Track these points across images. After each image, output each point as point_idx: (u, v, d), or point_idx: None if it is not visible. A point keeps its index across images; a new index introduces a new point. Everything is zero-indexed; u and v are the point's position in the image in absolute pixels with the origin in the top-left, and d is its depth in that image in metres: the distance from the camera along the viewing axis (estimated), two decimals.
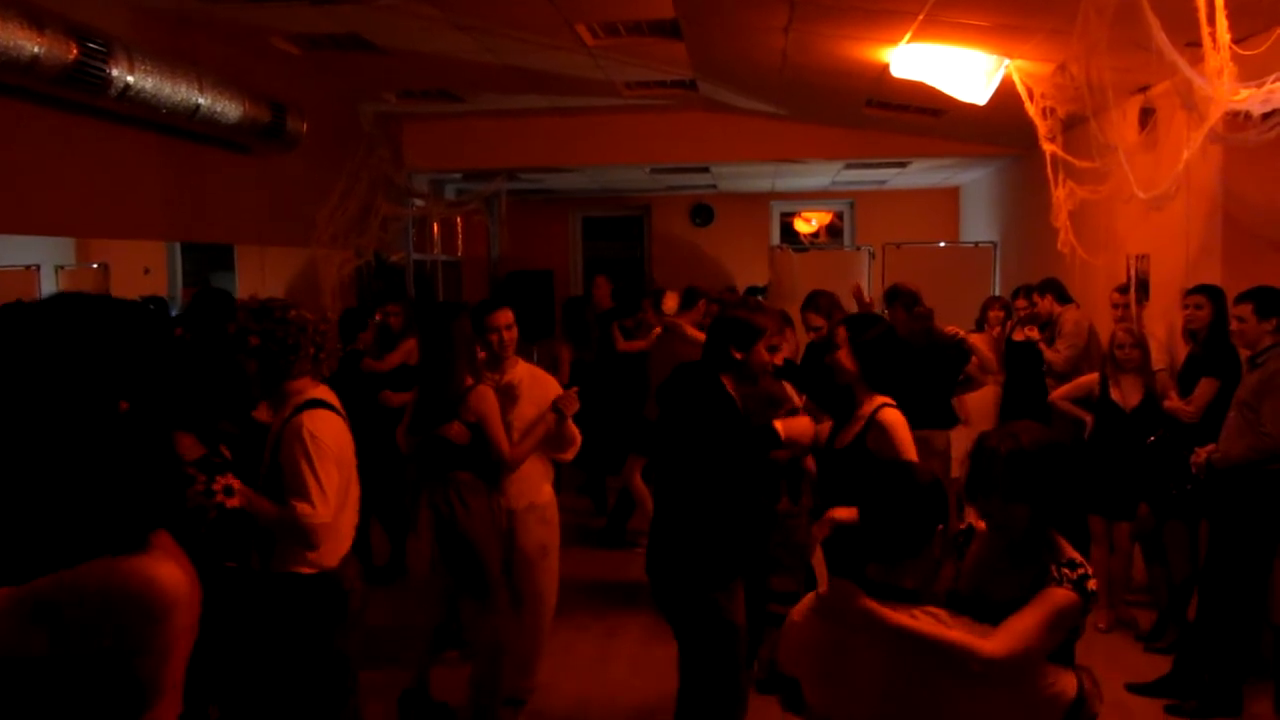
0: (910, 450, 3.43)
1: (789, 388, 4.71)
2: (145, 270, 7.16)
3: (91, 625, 1.38)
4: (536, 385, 4.37)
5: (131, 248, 6.76)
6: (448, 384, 4.03)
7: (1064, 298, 6.87)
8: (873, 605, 2.16)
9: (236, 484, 2.94)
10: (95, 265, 6.82)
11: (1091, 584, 2.27)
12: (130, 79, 4.61)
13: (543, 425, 4.21)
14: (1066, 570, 2.26)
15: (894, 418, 3.46)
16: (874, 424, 3.45)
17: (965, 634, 2.15)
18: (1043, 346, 6.74)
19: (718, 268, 12.78)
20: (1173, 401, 5.08)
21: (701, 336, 5.95)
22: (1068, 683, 2.24)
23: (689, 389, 3.54)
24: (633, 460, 6.20)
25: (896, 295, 6.14)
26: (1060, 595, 2.22)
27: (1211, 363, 4.97)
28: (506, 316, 4.31)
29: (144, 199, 5.61)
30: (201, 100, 5.22)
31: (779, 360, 3.77)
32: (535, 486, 4.41)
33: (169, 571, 1.47)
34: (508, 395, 4.27)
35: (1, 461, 1.40)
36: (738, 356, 3.52)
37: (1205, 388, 4.94)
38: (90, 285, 5.95)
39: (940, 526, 2.24)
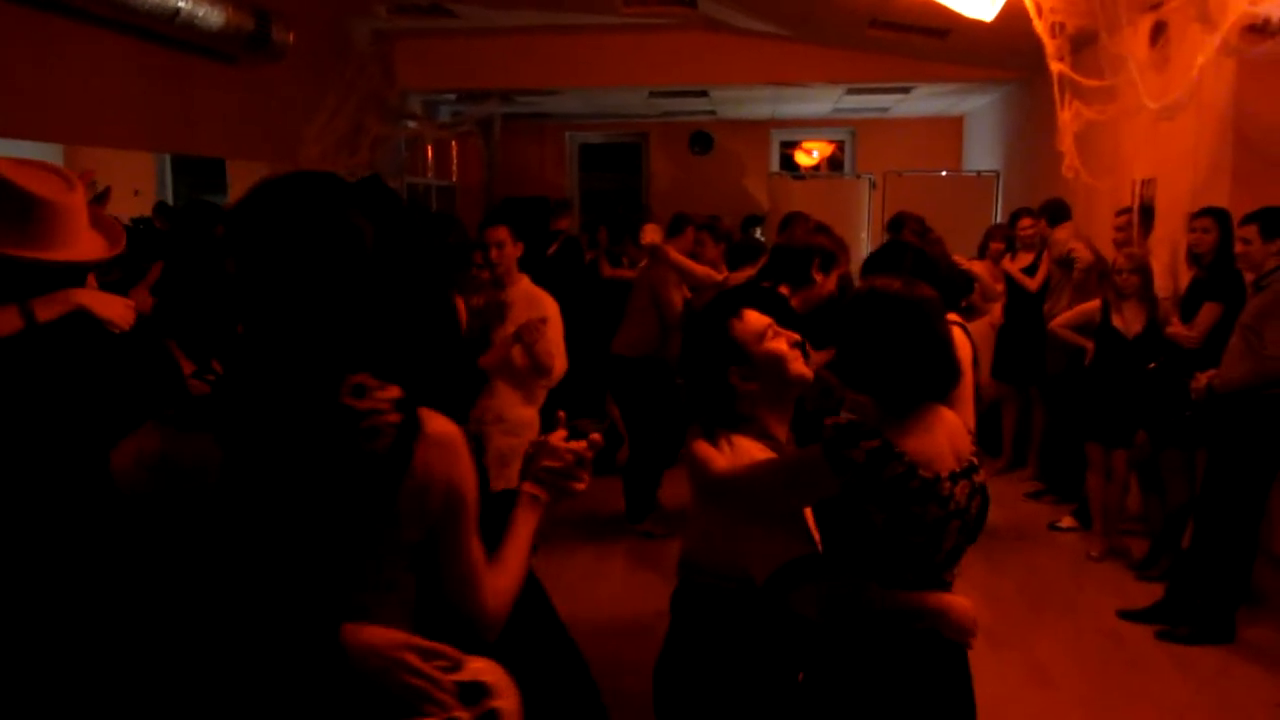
0: (968, 379, 3.35)
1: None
2: (135, 192, 7.01)
3: None
4: (531, 306, 4.31)
5: (121, 167, 6.61)
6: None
7: (1057, 219, 6.71)
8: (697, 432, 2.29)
9: None
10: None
11: (854, 453, 2.00)
12: None
13: (503, 347, 4.21)
14: (831, 430, 2.14)
15: (961, 341, 3.36)
16: None
17: (722, 459, 2.20)
18: (1021, 277, 6.67)
19: (717, 197, 12.55)
20: (1174, 327, 5.00)
21: (690, 263, 5.86)
22: (781, 548, 2.10)
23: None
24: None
25: (903, 223, 5.98)
26: (806, 450, 2.13)
27: (1215, 287, 4.87)
28: (498, 233, 4.31)
29: (127, 107, 5.46)
30: (182, 4, 5.05)
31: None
32: (508, 405, 4.33)
33: None
34: (498, 312, 4.25)
35: None
36: (818, 278, 3.63)
37: (1207, 312, 4.84)
38: None
39: (735, 368, 2.26)
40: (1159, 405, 5.06)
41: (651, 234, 6.25)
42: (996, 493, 6.75)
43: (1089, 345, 5.54)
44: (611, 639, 4.55)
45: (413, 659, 1.52)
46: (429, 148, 10.67)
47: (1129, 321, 5.24)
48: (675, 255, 5.84)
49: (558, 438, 1.80)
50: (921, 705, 2.11)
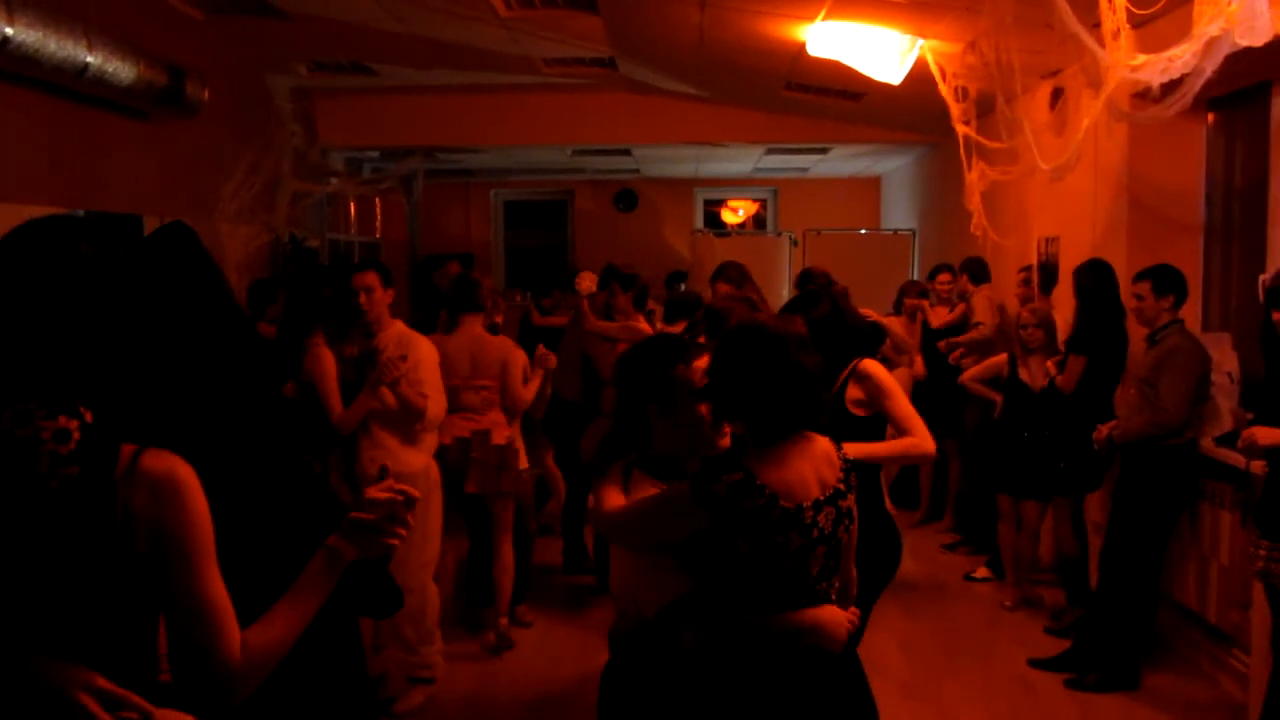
0: (898, 392, 3.42)
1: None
2: None
3: None
4: (406, 349, 4.26)
5: None
6: (292, 344, 4.02)
7: (978, 278, 6.93)
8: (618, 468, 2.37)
9: None
10: None
11: (716, 487, 2.10)
12: (9, 31, 4.36)
13: (366, 392, 4.16)
14: (700, 468, 2.24)
15: (877, 366, 3.48)
16: (857, 374, 3.44)
17: (617, 497, 2.28)
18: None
19: (642, 253, 12.64)
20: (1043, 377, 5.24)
21: (607, 327, 5.88)
22: (669, 585, 2.16)
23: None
24: (544, 443, 6.09)
25: (810, 278, 6.09)
26: (676, 486, 2.22)
27: (1079, 339, 5.07)
28: (367, 278, 4.27)
29: (33, 162, 5.34)
30: (90, 59, 4.96)
31: None
32: (392, 454, 4.21)
33: None
34: (370, 360, 4.20)
35: None
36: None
37: (1073, 364, 5.06)
38: None
39: (654, 406, 2.31)
40: (1046, 456, 5.22)
41: (588, 282, 6.29)
42: (914, 545, 6.86)
43: (997, 398, 5.67)
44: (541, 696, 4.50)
45: (90, 703, 1.41)
46: (352, 204, 10.62)
47: (1034, 375, 5.38)
48: (594, 323, 5.87)
49: (375, 490, 1.69)
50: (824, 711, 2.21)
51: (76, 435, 1.46)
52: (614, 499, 2.28)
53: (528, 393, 4.98)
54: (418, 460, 4.31)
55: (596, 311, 6.06)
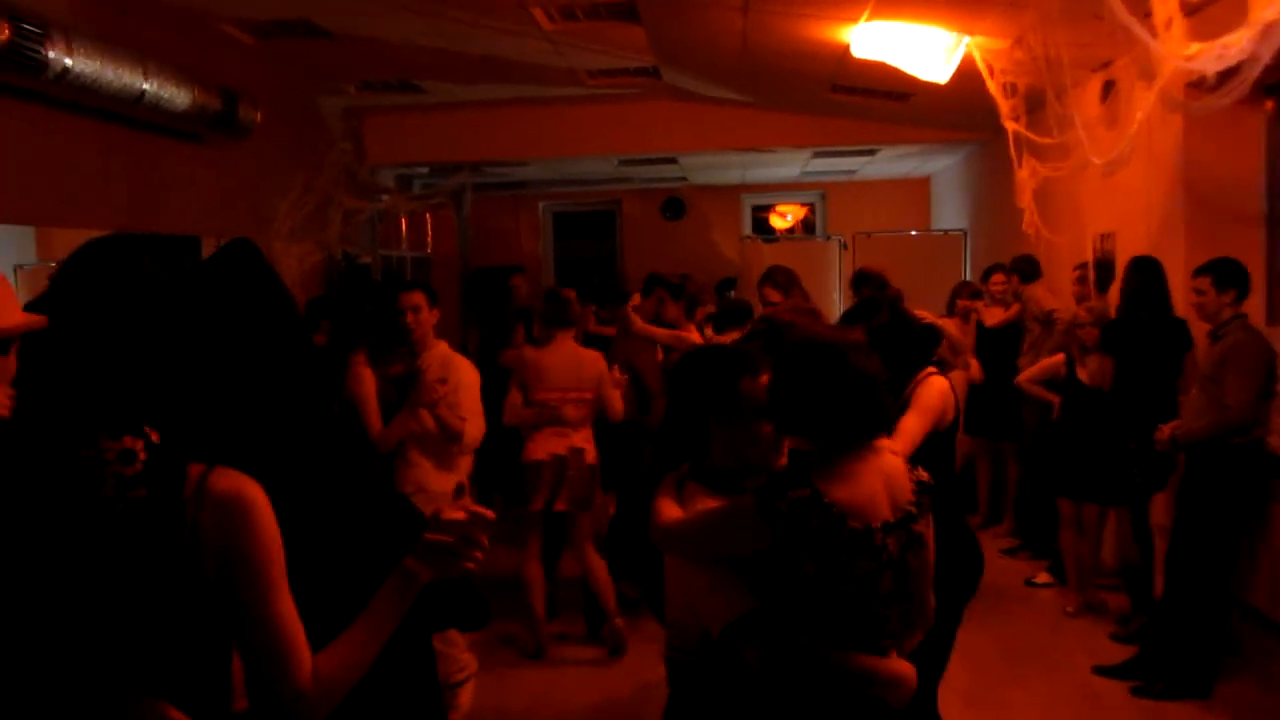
0: (927, 412, 3.30)
1: None
2: None
3: None
4: (443, 371, 4.34)
5: None
6: (336, 361, 4.14)
7: (1028, 276, 6.82)
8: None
9: None
10: (55, 264, 6.68)
11: (780, 504, 2.03)
12: (69, 62, 4.47)
13: (405, 413, 4.25)
14: (759, 480, 2.16)
15: (936, 382, 3.36)
16: (920, 384, 3.35)
17: (673, 508, 2.24)
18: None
19: (691, 261, 12.61)
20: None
21: (655, 330, 5.86)
22: (729, 605, 2.08)
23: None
24: None
25: (865, 280, 6.04)
26: (741, 499, 2.14)
27: (1107, 338, 4.98)
28: (414, 298, 4.35)
29: (93, 187, 5.48)
30: (146, 86, 5.08)
31: None
32: (426, 474, 4.32)
33: None
34: (413, 380, 4.29)
35: None
36: None
37: (1102, 364, 5.04)
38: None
39: (714, 417, 2.27)
40: (1105, 457, 5.10)
41: (638, 301, 6.32)
42: None
43: (1055, 399, 5.57)
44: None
45: None
46: (403, 220, 10.74)
47: (1093, 374, 5.27)
48: (640, 325, 5.87)
49: (450, 510, 1.66)
50: None
51: (143, 456, 1.43)
52: (670, 510, 2.23)
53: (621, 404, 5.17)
54: (450, 483, 4.36)
55: (645, 318, 6.05)
